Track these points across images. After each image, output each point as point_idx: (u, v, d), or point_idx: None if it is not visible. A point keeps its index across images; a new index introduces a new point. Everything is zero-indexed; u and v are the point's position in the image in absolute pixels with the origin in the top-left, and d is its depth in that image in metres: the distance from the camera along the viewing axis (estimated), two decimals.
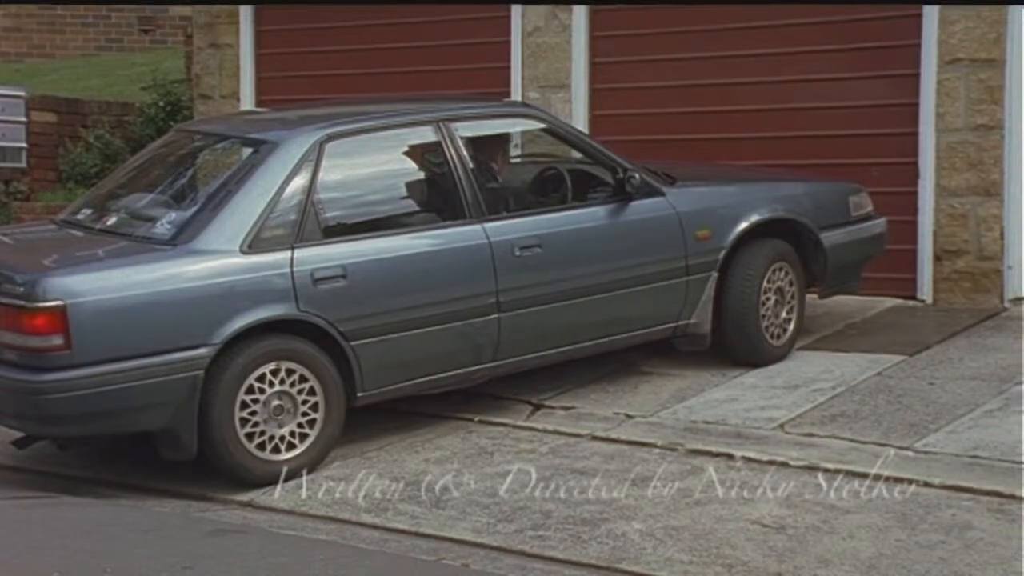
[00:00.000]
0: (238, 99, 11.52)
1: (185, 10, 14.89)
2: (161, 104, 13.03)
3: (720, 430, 6.68)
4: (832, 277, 7.92)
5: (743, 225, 7.50)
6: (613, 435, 6.74)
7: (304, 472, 6.37)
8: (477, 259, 6.81)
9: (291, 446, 6.36)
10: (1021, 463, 5.95)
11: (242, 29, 11.52)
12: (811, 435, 6.52)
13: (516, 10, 10.02)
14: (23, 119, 12.54)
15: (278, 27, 11.41)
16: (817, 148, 9.07)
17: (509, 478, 6.23)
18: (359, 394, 6.56)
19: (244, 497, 6.23)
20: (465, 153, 6.97)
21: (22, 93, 12.68)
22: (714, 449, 6.43)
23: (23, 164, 12.59)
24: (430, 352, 6.70)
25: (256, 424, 6.26)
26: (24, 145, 12.57)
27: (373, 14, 10.74)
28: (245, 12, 11.49)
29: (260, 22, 11.52)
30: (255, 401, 6.25)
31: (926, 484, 5.86)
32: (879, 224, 8.19)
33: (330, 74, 10.95)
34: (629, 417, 6.98)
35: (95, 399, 5.96)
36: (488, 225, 6.87)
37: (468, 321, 6.77)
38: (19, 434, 6.55)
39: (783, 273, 7.66)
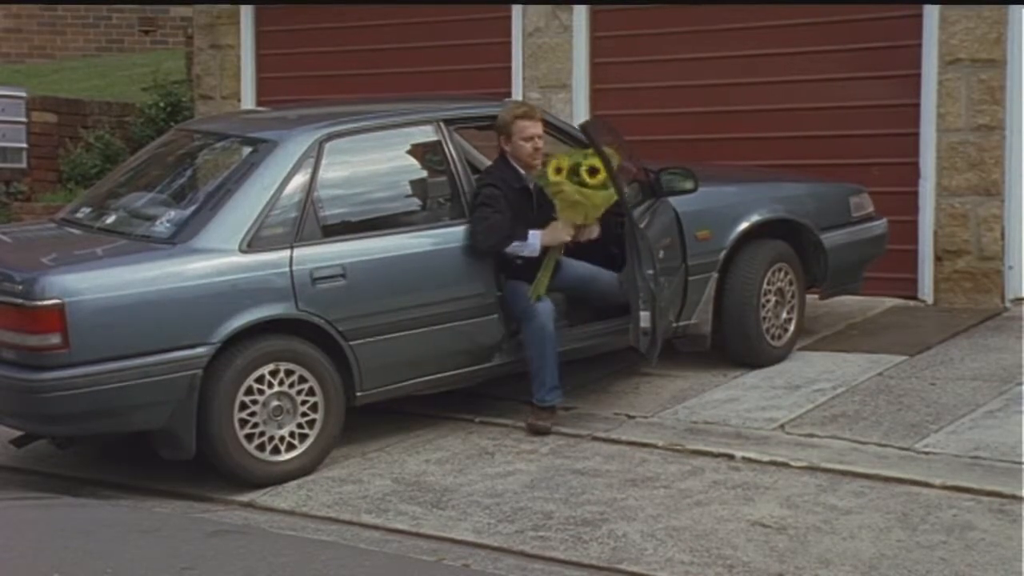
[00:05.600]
0: (239, 100, 11.53)
1: (186, 11, 14.90)
2: (162, 105, 13.04)
3: (721, 431, 6.68)
4: (833, 278, 7.91)
5: (743, 225, 7.49)
6: (614, 435, 6.73)
7: (304, 473, 6.37)
8: (478, 258, 6.80)
9: (291, 447, 6.36)
10: (1022, 463, 5.95)
11: (242, 30, 11.53)
12: (812, 435, 6.52)
13: (517, 10, 10.03)
14: (24, 120, 12.55)
15: (278, 28, 11.42)
16: (818, 148, 9.07)
17: (510, 478, 6.23)
18: (358, 393, 6.55)
19: (244, 498, 6.23)
20: (465, 152, 6.97)
21: (23, 94, 12.70)
22: (715, 450, 6.42)
23: (23, 165, 12.60)
24: (430, 352, 6.69)
25: (256, 425, 6.25)
26: (24, 146, 12.58)
27: (374, 14, 10.74)
28: (245, 13, 11.50)
29: (260, 23, 11.53)
30: (254, 402, 6.24)
31: (927, 484, 5.86)
32: (880, 225, 8.19)
33: (331, 74, 10.95)
34: (630, 417, 6.98)
35: (93, 398, 5.96)
36: None
37: (468, 321, 6.77)
38: (18, 433, 6.56)
39: (783, 274, 7.65)
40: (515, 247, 6.79)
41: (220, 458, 6.22)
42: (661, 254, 6.78)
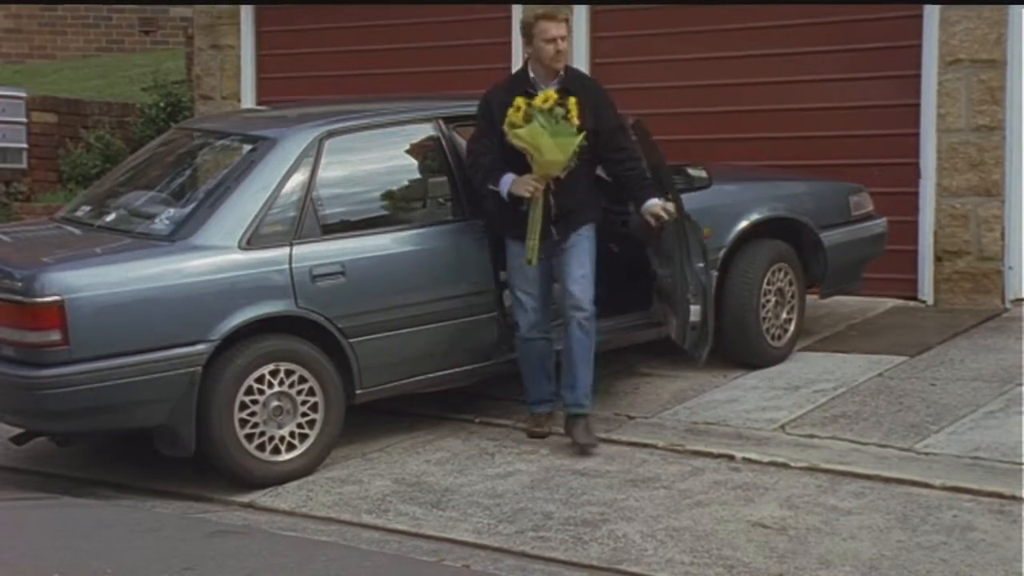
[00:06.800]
0: (239, 100, 11.53)
1: (186, 11, 14.90)
2: (162, 105, 13.03)
3: (721, 431, 6.67)
4: (832, 277, 7.91)
5: (743, 224, 7.48)
6: (614, 436, 6.72)
7: (305, 473, 6.36)
8: (477, 256, 6.80)
9: (291, 447, 6.35)
10: (1022, 464, 5.94)
11: (243, 30, 11.53)
12: (812, 436, 6.51)
13: (517, 10, 9.99)
14: (24, 120, 12.54)
15: (279, 28, 11.42)
16: (818, 148, 9.06)
17: (510, 479, 6.23)
18: (358, 391, 6.54)
19: (245, 498, 6.23)
20: (463, 150, 6.96)
21: (23, 94, 12.69)
22: (715, 450, 6.42)
23: (24, 165, 12.58)
24: (429, 350, 6.69)
25: (256, 425, 6.25)
26: (25, 146, 12.57)
27: (374, 15, 10.74)
28: (246, 13, 11.50)
29: (261, 23, 11.53)
30: (254, 402, 6.23)
31: (927, 485, 5.85)
32: (880, 224, 8.19)
33: (331, 75, 10.95)
34: (630, 418, 6.97)
35: (92, 395, 5.96)
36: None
37: (468, 319, 6.76)
38: (18, 431, 6.56)
39: (783, 274, 7.64)
40: (492, 187, 6.55)
41: (220, 458, 6.22)
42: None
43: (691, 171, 7.20)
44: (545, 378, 6.77)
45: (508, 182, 6.45)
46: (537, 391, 6.80)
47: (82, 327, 5.92)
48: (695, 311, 6.60)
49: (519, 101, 6.40)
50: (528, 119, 6.35)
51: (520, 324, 6.68)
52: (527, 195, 6.41)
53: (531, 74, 6.64)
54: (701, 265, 6.67)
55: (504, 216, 6.60)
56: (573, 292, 6.49)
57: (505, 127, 6.43)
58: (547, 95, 6.40)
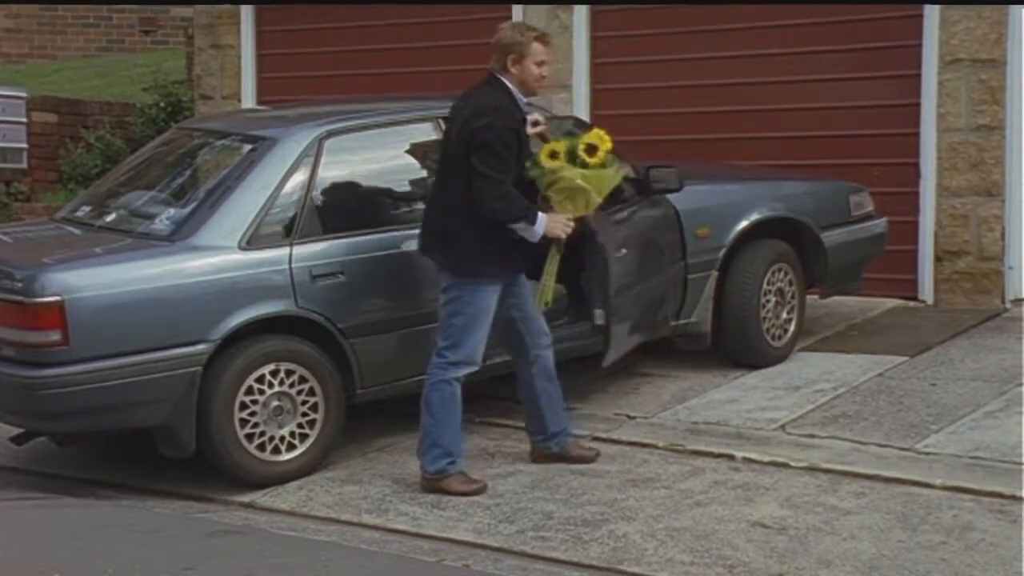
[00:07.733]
0: (239, 100, 11.54)
1: (186, 11, 14.90)
2: (162, 105, 13.03)
3: (721, 431, 6.67)
4: (833, 277, 7.91)
5: (743, 224, 7.48)
6: (614, 436, 6.73)
7: (305, 473, 6.36)
8: None
9: (291, 447, 6.35)
10: (1022, 464, 5.95)
11: (243, 30, 11.53)
12: (812, 436, 6.51)
13: (517, 10, 10.02)
14: (24, 120, 12.54)
15: (279, 28, 11.42)
16: (818, 148, 9.07)
17: (510, 479, 6.23)
18: (358, 391, 6.54)
19: (245, 498, 6.23)
20: None
21: (23, 94, 12.69)
22: (715, 450, 6.42)
23: (24, 165, 12.59)
24: (429, 349, 6.66)
25: (256, 425, 6.25)
26: (25, 146, 12.57)
27: (374, 14, 10.74)
28: (246, 13, 11.51)
29: (261, 23, 11.54)
30: (254, 402, 6.23)
31: (927, 485, 5.86)
32: (880, 224, 8.19)
33: (331, 74, 10.95)
34: (630, 418, 6.98)
35: (92, 395, 5.96)
36: None
37: None
38: (18, 430, 6.55)
39: (783, 274, 7.64)
40: (516, 225, 5.96)
41: (220, 458, 6.22)
42: (622, 252, 6.43)
43: (656, 172, 6.99)
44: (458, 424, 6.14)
45: (544, 221, 5.93)
46: (458, 442, 6.13)
47: (82, 327, 5.92)
48: (598, 315, 6.36)
49: (597, 140, 6.01)
50: (607, 163, 6.00)
51: (463, 367, 6.07)
52: (563, 236, 5.99)
53: (522, 96, 6.12)
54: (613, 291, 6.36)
55: (506, 253, 6.04)
56: (543, 326, 6.28)
57: (568, 165, 5.97)
58: (602, 135, 6.09)
